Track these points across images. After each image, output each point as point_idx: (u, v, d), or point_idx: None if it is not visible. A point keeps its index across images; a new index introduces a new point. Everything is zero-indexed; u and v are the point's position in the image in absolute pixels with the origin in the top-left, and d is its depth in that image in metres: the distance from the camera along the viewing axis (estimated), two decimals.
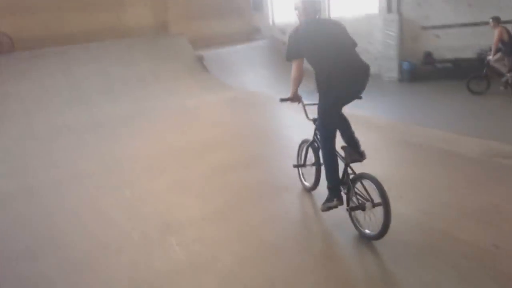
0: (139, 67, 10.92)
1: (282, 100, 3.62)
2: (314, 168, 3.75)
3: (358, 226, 3.12)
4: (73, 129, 7.70)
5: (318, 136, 3.45)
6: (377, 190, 2.83)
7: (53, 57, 10.29)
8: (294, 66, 3.32)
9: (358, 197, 3.04)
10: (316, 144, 3.63)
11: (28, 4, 11.13)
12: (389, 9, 13.05)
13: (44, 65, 9.92)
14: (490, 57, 8.95)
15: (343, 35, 3.29)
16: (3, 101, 8.81)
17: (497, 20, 8.84)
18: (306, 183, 4.04)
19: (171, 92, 10.05)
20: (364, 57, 3.31)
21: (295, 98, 3.55)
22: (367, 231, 3.05)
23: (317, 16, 3.37)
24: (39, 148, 6.78)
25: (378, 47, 13.74)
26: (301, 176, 4.15)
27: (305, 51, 3.22)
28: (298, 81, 3.39)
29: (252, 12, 15.42)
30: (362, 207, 2.99)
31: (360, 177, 3.04)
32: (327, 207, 3.26)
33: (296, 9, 3.39)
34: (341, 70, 3.07)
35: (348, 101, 3.26)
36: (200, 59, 11.65)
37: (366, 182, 2.98)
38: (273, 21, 15.32)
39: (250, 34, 15.48)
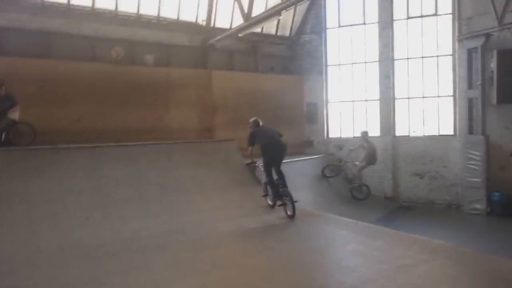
0: (179, 173, 8.99)
1: (248, 164, 9.07)
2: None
3: (285, 210, 7.24)
4: (88, 251, 5.43)
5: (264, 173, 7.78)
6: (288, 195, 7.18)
7: (78, 155, 8.51)
8: (251, 148, 8.03)
9: (284, 198, 7.30)
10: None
11: (60, 94, 9.89)
12: (470, 130, 11.29)
13: (66, 163, 8.10)
14: None
15: (273, 132, 7.83)
16: (7, 201, 6.79)
17: None
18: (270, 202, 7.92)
19: (215, 205, 7.92)
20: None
21: (253, 162, 8.71)
22: (288, 213, 7.15)
23: (260, 124, 8.12)
24: (37, 277, 4.45)
25: (453, 171, 11.72)
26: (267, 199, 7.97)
27: (257, 140, 7.79)
28: (253, 155, 8.18)
29: (306, 125, 13.98)
30: (285, 203, 7.28)
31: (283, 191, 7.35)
32: (273, 202, 7.73)
33: (250, 124, 8.28)
34: (273, 147, 7.51)
35: (276, 162, 7.59)
36: (252, 170, 9.74)
37: (284, 192, 7.30)
38: (327, 135, 13.76)
39: (301, 148, 13.83)
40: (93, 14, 10.60)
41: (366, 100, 13.27)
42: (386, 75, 12.65)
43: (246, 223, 6.84)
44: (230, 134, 11.86)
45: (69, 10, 10.27)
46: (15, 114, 8.83)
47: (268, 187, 7.85)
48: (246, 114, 12.71)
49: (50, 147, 8.51)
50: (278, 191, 7.41)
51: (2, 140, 8.69)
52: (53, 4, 10.06)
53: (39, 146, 8.70)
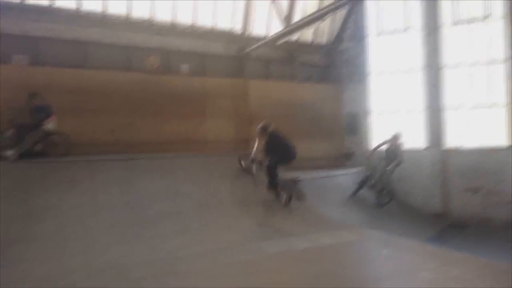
0: (217, 186, 8.48)
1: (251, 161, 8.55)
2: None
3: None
4: (124, 273, 4.90)
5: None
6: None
7: (112, 167, 8.13)
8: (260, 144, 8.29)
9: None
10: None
11: (94, 105, 9.61)
12: None
13: (100, 176, 7.73)
14: None
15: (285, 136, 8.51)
16: (39, 216, 6.43)
17: None
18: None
19: (257, 222, 7.33)
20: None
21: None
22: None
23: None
24: None
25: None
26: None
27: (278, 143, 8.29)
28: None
29: (345, 136, 13.24)
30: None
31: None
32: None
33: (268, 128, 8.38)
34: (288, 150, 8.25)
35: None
36: (293, 184, 9.10)
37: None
38: (369, 147, 12.96)
39: (341, 161, 13.08)
40: (128, 23, 10.37)
41: (410, 110, 12.42)
42: (432, 83, 11.81)
43: (295, 244, 6.16)
44: None
45: (104, 19, 10.08)
46: (50, 125, 8.59)
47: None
48: (283, 125, 12.14)
49: (83, 159, 8.19)
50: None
51: (38, 151, 8.44)
52: (88, 13, 9.89)
53: (72, 158, 8.41)
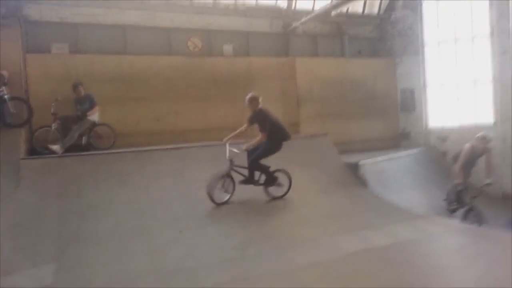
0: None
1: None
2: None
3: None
4: (192, 277, 4.36)
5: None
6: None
7: (162, 158, 7.69)
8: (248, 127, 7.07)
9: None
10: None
11: (137, 93, 9.13)
12: None
13: (150, 168, 7.29)
14: None
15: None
16: (93, 213, 6.05)
17: None
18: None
19: (324, 214, 6.65)
20: None
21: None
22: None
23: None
24: None
25: None
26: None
27: (268, 123, 6.73)
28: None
29: (400, 114, 12.24)
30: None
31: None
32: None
33: (256, 98, 6.85)
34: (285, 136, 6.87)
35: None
36: (354, 169, 8.37)
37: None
38: (427, 125, 11.93)
39: (396, 141, 12.14)
40: (168, 4, 9.76)
41: (475, 82, 11.24)
42: (503, 50, 10.56)
43: (372, 238, 5.44)
44: (317, 128, 10.58)
45: (143, 2, 9.50)
46: (94, 116, 8.20)
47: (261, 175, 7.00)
48: (334, 105, 11.40)
49: (132, 150, 7.77)
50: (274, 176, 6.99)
51: (84, 144, 8.09)
52: None
53: (120, 149, 8.00)
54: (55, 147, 7.50)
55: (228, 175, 6.69)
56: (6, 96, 7.22)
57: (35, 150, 7.68)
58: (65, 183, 6.48)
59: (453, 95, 11.59)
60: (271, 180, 6.94)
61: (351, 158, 9.16)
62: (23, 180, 6.36)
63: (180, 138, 9.26)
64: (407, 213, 6.90)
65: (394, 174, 9.19)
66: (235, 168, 6.76)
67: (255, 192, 7.07)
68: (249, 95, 6.86)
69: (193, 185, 6.99)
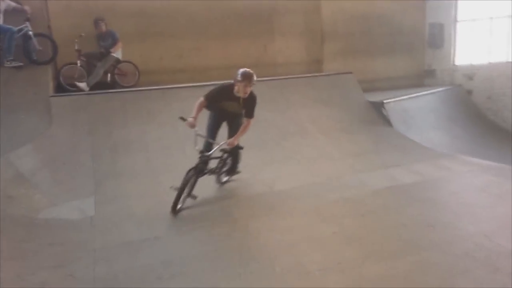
0: (296, 113, 7.89)
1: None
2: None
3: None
4: (225, 212, 4.62)
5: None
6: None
7: (187, 96, 7.61)
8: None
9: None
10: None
11: (158, 29, 8.92)
12: None
13: (176, 105, 7.30)
14: None
15: None
16: (125, 149, 6.26)
17: None
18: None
19: (347, 152, 6.74)
20: None
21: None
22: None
23: None
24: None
25: None
26: None
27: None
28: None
29: (427, 50, 11.80)
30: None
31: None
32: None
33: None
34: None
35: None
36: (378, 107, 8.30)
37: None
38: (454, 62, 11.53)
39: (420, 79, 11.85)
40: None
41: (510, 17, 10.60)
42: None
43: (399, 176, 5.57)
44: (341, 66, 10.33)
45: None
46: (118, 52, 8.15)
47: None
48: (359, 41, 11.01)
49: (158, 88, 7.81)
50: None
51: (108, 81, 8.14)
52: None
53: (144, 87, 8.03)
54: (82, 85, 7.58)
55: (202, 172, 4.90)
56: (30, 32, 7.14)
57: (62, 87, 7.75)
58: (95, 120, 6.63)
59: (484, 31, 11.03)
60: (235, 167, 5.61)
61: (375, 97, 9.05)
62: (55, 117, 6.52)
63: (202, 75, 9.18)
64: (432, 151, 6.96)
65: (418, 113, 9.09)
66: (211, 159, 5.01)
67: None
68: (250, 71, 5.01)
69: None
